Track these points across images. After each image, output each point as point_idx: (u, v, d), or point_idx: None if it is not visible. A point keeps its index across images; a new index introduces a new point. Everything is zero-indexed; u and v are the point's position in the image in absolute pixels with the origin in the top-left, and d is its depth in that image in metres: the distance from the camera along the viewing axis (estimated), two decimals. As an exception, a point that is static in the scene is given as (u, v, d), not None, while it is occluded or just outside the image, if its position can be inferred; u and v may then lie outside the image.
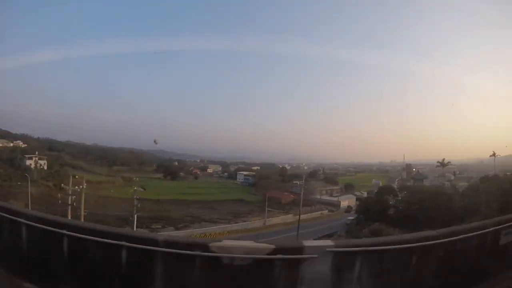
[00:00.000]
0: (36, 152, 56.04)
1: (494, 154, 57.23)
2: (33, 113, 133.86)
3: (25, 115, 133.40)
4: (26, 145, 62.81)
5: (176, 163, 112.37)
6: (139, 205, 28.65)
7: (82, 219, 23.39)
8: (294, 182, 72.78)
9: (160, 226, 38.89)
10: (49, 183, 48.49)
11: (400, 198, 44.13)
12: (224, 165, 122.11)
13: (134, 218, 26.24)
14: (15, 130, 72.28)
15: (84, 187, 25.69)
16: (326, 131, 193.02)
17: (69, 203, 24.73)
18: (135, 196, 27.61)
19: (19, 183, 43.51)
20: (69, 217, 22.04)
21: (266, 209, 44.08)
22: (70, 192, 25.16)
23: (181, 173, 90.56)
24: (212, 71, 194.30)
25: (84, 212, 24.73)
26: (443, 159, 53.47)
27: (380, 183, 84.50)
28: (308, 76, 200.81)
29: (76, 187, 25.82)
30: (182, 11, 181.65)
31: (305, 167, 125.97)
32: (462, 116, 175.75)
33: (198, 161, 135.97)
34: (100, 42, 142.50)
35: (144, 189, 35.22)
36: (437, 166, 55.85)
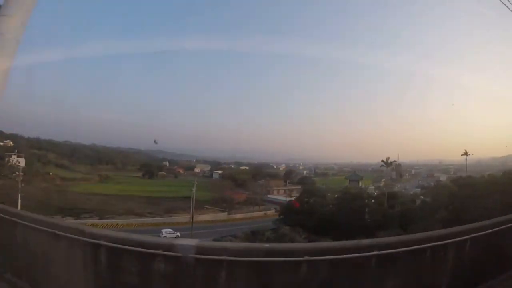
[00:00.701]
0: (16, 151, 67.20)
1: (466, 153, 53.89)
2: (32, 114, 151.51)
3: (24, 115, 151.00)
4: (13, 144, 74.91)
5: (167, 163, 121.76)
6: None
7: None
8: (260, 181, 75.79)
9: (88, 216, 45.68)
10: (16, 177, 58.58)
11: (328, 201, 44.79)
12: (217, 164, 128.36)
13: (18, 198, 32.77)
14: (9, 130, 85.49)
15: None
16: (325, 131, 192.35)
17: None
18: (19, 180, 34.11)
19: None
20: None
21: (192, 206, 48.16)
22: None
23: (162, 172, 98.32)
24: (211, 71, 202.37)
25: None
26: (388, 158, 52.39)
27: (360, 184, 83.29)
28: (308, 76, 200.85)
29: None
30: (181, 11, 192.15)
31: (301, 167, 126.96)
32: (462, 116, 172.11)
33: (194, 161, 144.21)
34: (100, 42, 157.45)
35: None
36: (382, 165, 54.71)
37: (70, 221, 33.84)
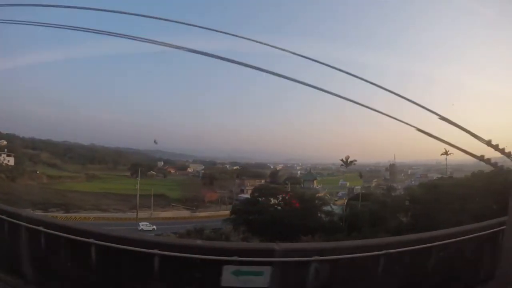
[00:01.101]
0: (5, 150, 74.63)
1: (446, 153, 52.76)
2: (32, 114, 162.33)
3: (24, 115, 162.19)
4: (7, 143, 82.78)
5: (162, 163, 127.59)
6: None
7: None
8: (237, 181, 78.37)
9: (54, 210, 50.56)
10: (1, 174, 65.30)
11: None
12: (213, 164, 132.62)
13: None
14: (7, 130, 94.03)
15: None
16: (325, 131, 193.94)
17: None
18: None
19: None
20: None
21: (152, 202, 51.76)
22: None
23: (152, 172, 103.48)
24: (211, 71, 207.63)
25: None
26: (347, 157, 52.36)
27: (348, 184, 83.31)
28: (307, 76, 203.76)
29: None
30: (181, 11, 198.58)
31: (298, 167, 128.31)
32: (462, 116, 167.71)
33: (191, 161, 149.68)
34: (100, 42, 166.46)
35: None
36: (341, 165, 54.89)
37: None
